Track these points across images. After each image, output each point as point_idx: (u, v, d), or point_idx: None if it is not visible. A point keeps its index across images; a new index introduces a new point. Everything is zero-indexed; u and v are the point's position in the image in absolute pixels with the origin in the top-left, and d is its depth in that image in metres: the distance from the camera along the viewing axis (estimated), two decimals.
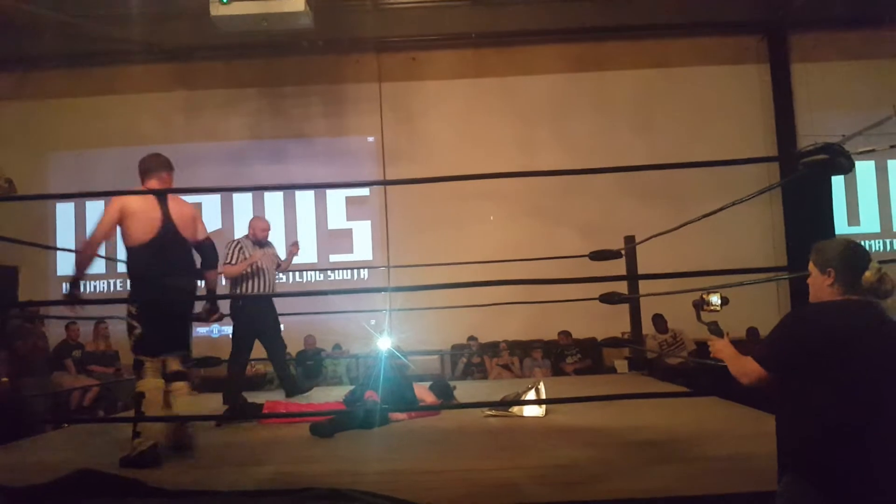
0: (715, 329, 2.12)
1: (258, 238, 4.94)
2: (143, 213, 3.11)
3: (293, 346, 8.03)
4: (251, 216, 9.03)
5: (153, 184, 3.24)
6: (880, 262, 1.82)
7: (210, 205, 9.11)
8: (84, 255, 3.29)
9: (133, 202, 3.12)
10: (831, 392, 1.69)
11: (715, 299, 2.32)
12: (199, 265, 3.39)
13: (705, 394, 4.51)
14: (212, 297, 3.45)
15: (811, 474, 1.71)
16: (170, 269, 3.10)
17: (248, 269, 4.78)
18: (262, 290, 4.81)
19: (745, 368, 1.88)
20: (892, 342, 1.72)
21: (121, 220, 3.11)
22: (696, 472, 2.62)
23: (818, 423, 1.71)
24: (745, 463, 2.58)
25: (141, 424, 2.92)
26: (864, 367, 1.69)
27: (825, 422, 1.69)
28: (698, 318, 2.31)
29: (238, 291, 4.81)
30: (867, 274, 1.76)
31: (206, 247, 3.35)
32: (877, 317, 1.74)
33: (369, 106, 9.04)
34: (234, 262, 4.74)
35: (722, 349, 2.02)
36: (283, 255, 5.37)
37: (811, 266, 1.87)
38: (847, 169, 2.94)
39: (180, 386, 3.25)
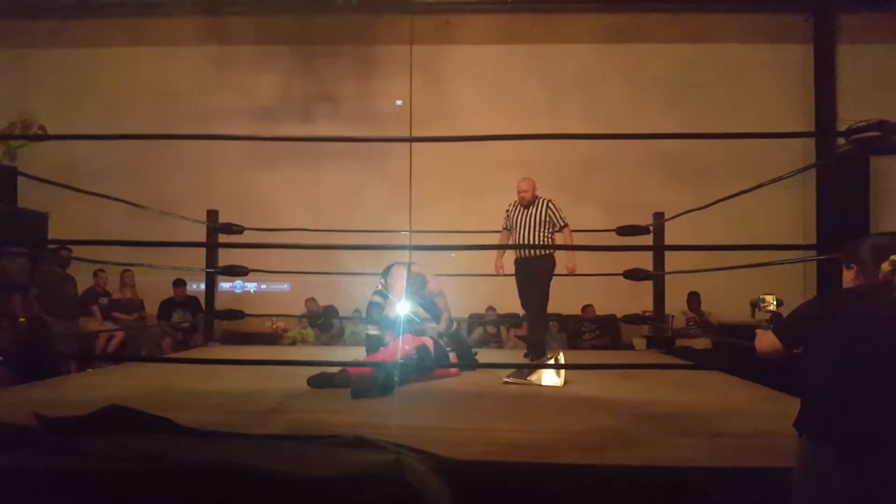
0: (765, 326, 2.26)
1: (519, 199, 5.38)
2: None
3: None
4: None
5: None
6: None
7: None
8: None
9: None
10: (841, 364, 1.90)
11: (771, 299, 2.61)
12: None
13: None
14: None
15: (827, 435, 1.89)
16: None
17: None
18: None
19: (764, 340, 2.13)
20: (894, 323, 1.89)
21: None
22: (713, 445, 2.63)
23: (828, 391, 1.92)
24: (763, 440, 2.57)
25: None
26: (870, 343, 1.87)
27: (834, 389, 1.90)
28: (752, 315, 2.60)
29: None
30: (884, 265, 1.92)
31: None
32: (887, 301, 1.90)
33: (399, 68, 8.96)
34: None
35: (759, 332, 2.22)
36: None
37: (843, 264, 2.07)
38: None
39: None
